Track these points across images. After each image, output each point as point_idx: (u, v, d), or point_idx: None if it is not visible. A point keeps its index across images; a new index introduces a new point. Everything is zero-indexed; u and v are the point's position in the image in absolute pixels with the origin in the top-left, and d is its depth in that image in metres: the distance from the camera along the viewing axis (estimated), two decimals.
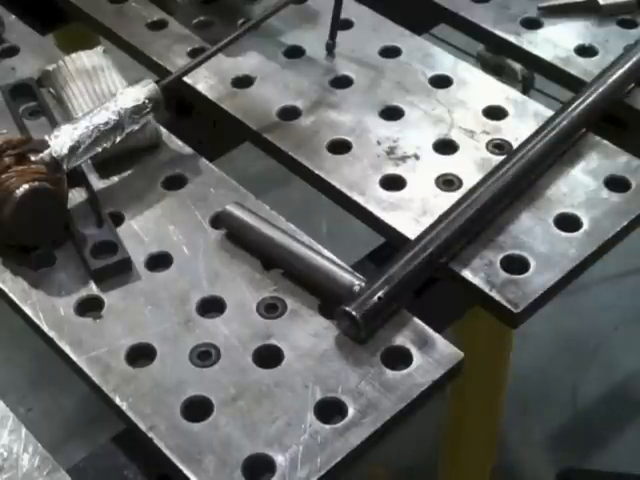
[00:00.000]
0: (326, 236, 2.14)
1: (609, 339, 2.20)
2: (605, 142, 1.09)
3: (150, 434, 0.85)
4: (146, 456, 0.89)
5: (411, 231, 0.99)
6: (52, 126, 1.10)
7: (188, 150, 1.11)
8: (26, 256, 0.99)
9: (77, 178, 1.06)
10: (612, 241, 1.00)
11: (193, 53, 1.23)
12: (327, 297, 0.94)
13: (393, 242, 1.02)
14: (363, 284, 0.91)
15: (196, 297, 0.95)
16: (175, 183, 1.07)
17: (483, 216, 0.99)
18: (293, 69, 1.21)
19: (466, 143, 1.09)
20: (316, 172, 1.08)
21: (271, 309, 0.94)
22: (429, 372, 0.88)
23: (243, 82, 1.20)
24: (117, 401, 0.87)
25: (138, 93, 1.05)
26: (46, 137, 1.01)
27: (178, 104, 1.21)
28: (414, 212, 1.02)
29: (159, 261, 0.99)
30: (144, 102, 1.05)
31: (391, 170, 1.07)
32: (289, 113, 1.15)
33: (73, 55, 1.17)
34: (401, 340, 0.91)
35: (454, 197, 1.01)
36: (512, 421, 1.98)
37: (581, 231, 1.00)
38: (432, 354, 0.89)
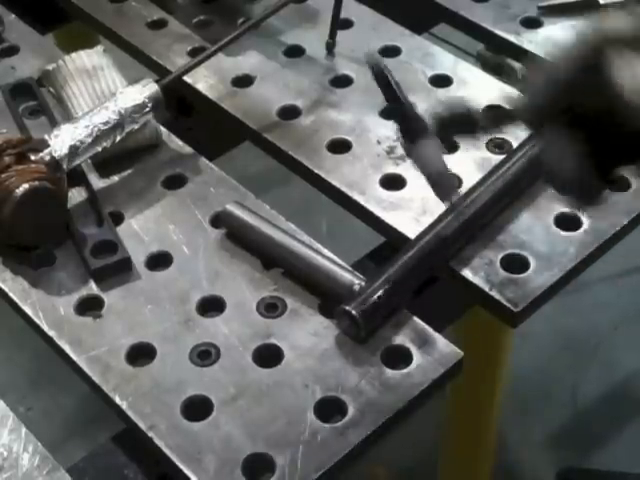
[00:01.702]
0: (326, 235, 2.14)
1: (609, 338, 2.20)
2: None
3: (150, 433, 0.85)
4: (146, 455, 0.89)
5: (411, 230, 0.99)
6: (52, 125, 1.10)
7: (188, 150, 1.11)
8: (26, 255, 0.99)
9: (77, 177, 1.06)
10: (612, 240, 1.00)
11: (193, 52, 1.23)
12: (327, 296, 0.94)
13: (393, 241, 1.02)
14: (363, 283, 0.91)
15: (196, 296, 0.95)
16: (175, 182, 1.07)
17: (483, 215, 0.99)
18: (293, 68, 1.21)
19: (466, 142, 1.09)
20: (316, 171, 1.08)
21: (271, 308, 0.94)
22: (429, 371, 0.88)
23: (243, 81, 1.20)
24: (117, 400, 0.87)
25: (138, 92, 1.05)
26: (46, 136, 1.01)
27: (178, 103, 1.21)
28: (414, 211, 1.02)
29: (159, 260, 0.99)
30: (144, 101, 1.05)
31: (391, 169, 1.07)
32: (289, 112, 1.15)
33: (73, 54, 1.17)
34: (401, 339, 0.91)
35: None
36: (512, 421, 1.98)
37: (581, 230, 1.00)
38: (432, 353, 0.89)
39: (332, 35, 1.22)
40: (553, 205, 1.02)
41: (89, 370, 0.90)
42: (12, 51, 1.26)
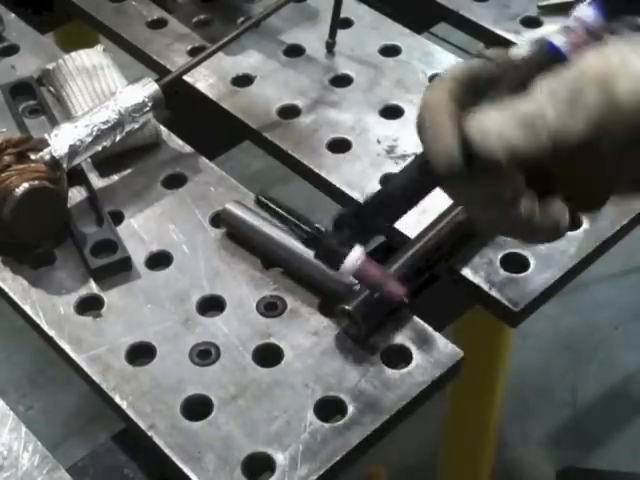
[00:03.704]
0: None
1: (609, 337, 2.20)
2: None
3: (150, 433, 0.85)
4: (146, 455, 0.89)
5: (411, 230, 0.99)
6: (52, 125, 1.10)
7: (188, 149, 1.11)
8: (26, 255, 0.99)
9: (77, 177, 1.06)
10: (612, 239, 1.00)
11: (193, 52, 1.23)
12: (327, 295, 0.94)
13: (393, 241, 1.02)
14: None
15: (196, 296, 0.95)
16: (175, 182, 1.07)
17: None
18: (293, 68, 1.21)
19: None
20: (316, 171, 1.08)
21: (271, 308, 0.94)
22: (429, 371, 0.88)
23: (243, 81, 1.20)
24: (117, 400, 0.87)
25: (138, 92, 1.05)
26: (46, 136, 1.01)
27: None
28: (414, 211, 1.02)
29: (159, 260, 0.99)
30: (144, 101, 1.05)
31: (391, 169, 1.07)
32: (289, 112, 1.15)
33: (73, 54, 1.17)
34: (401, 339, 0.91)
35: None
36: (512, 421, 1.98)
37: (581, 230, 1.00)
38: (432, 353, 0.89)
39: (332, 34, 1.22)
40: None
41: (89, 369, 0.90)
42: (12, 50, 1.26)
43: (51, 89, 1.18)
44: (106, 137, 1.03)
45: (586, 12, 0.73)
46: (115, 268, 0.97)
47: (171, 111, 1.09)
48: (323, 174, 1.07)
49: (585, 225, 1.00)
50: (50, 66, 1.17)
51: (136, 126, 1.05)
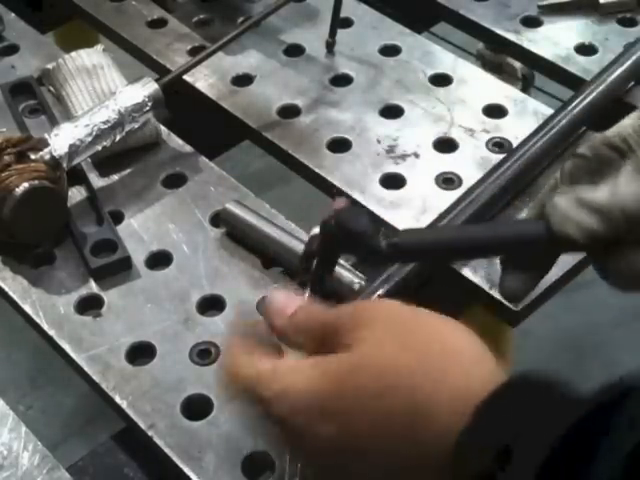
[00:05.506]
0: None
1: (610, 337, 2.20)
2: None
3: (150, 432, 0.85)
4: (146, 454, 0.88)
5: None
6: (52, 124, 1.10)
7: (188, 148, 1.11)
8: (26, 254, 0.99)
9: (77, 176, 1.06)
10: None
11: (193, 51, 1.23)
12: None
13: None
14: (363, 282, 0.91)
15: (196, 295, 0.95)
16: (175, 181, 1.07)
17: (482, 214, 0.99)
18: (293, 67, 1.21)
19: (466, 141, 1.09)
20: (316, 170, 1.08)
21: None
22: None
23: (243, 80, 1.20)
24: (117, 399, 0.87)
25: (138, 91, 1.05)
26: (46, 135, 1.01)
27: None
28: (414, 210, 1.02)
29: (159, 259, 0.99)
30: (144, 100, 1.05)
31: (391, 168, 1.07)
32: (289, 111, 1.15)
33: (73, 53, 1.17)
34: None
35: (454, 195, 1.01)
36: None
37: None
38: None
39: (332, 34, 1.22)
40: None
41: (89, 369, 0.90)
42: (12, 50, 1.26)
43: (51, 89, 1.18)
44: (106, 137, 1.03)
45: None
46: (115, 268, 0.97)
47: (171, 111, 1.09)
48: (323, 174, 1.07)
49: None
50: (50, 66, 1.17)
51: (136, 126, 1.05)
